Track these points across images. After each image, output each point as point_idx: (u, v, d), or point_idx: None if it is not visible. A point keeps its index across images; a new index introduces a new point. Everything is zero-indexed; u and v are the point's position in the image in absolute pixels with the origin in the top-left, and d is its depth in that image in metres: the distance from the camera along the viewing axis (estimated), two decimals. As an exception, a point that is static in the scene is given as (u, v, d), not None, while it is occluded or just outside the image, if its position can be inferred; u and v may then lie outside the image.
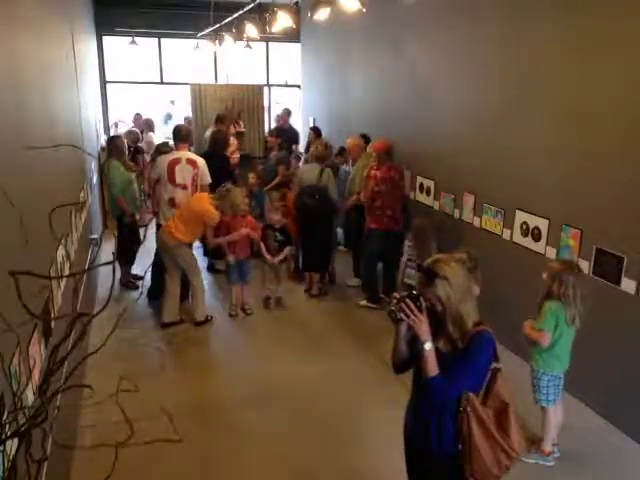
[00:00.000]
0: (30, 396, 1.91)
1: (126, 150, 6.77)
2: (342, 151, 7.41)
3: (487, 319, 2.22)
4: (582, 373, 3.57)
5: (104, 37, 10.35)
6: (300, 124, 10.65)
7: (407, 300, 2.10)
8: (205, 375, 4.63)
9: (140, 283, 6.24)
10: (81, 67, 5.95)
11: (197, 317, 5.41)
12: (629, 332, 3.73)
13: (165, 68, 10.97)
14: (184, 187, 5.59)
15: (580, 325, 3.32)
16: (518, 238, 4.72)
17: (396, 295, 2.16)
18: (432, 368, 2.10)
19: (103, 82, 10.47)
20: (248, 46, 9.39)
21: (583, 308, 3.27)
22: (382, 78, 7.13)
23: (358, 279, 6.38)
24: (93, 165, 6.78)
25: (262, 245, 5.78)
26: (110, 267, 1.49)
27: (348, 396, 4.26)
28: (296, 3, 7.34)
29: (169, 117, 12.01)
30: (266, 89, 11.11)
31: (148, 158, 8.12)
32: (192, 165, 5.66)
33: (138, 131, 9.52)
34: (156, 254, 5.63)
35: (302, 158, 8.39)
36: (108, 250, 6.57)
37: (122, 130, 9.77)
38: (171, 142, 6.58)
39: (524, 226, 4.64)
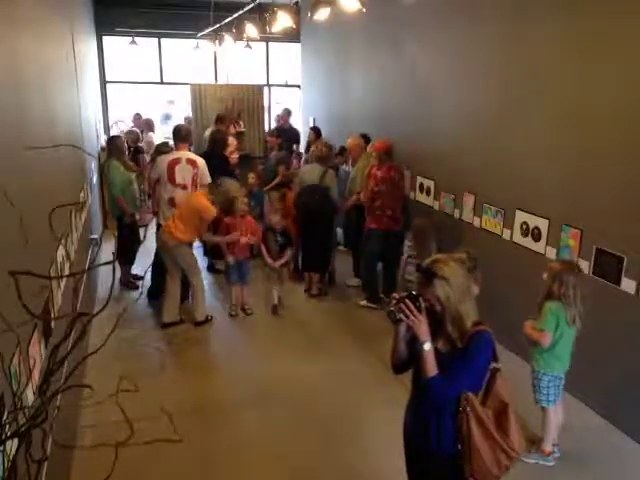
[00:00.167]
0: (30, 396, 1.91)
1: (126, 150, 6.77)
2: (342, 151, 7.41)
3: (487, 319, 2.23)
4: (582, 373, 3.57)
5: (104, 37, 10.35)
6: (300, 124, 10.64)
7: (406, 300, 2.10)
8: (205, 375, 4.63)
9: (140, 283, 6.24)
10: (81, 67, 5.95)
11: (197, 317, 5.41)
12: (629, 332, 3.73)
13: (165, 68, 10.97)
14: (184, 187, 5.59)
15: (580, 325, 3.33)
16: (518, 238, 4.72)
17: (395, 295, 2.16)
18: (431, 368, 2.10)
19: (103, 82, 10.47)
20: (248, 46, 9.39)
21: (583, 308, 3.28)
22: (382, 78, 7.13)
23: (358, 279, 6.38)
24: (93, 165, 6.78)
25: (263, 248, 5.77)
26: (110, 267, 1.49)
27: (348, 396, 4.26)
28: (296, 3, 7.34)
29: (167, 117, 11.99)
30: (266, 89, 11.11)
31: (148, 158, 8.12)
32: (192, 165, 5.67)
33: (138, 131, 9.53)
34: (156, 254, 5.63)
35: (302, 158, 8.39)
36: (108, 250, 6.56)
37: (122, 130, 9.77)
38: (171, 142, 6.58)
39: (524, 226, 4.64)
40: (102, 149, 8.29)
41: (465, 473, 2.18)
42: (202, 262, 6.77)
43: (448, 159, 5.69)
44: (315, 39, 9.61)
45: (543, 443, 3.53)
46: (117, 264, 5.73)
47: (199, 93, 9.41)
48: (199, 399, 4.21)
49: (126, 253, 6.10)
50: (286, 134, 9.11)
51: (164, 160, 5.69)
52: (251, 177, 7.28)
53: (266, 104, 10.76)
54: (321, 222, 6.04)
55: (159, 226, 5.66)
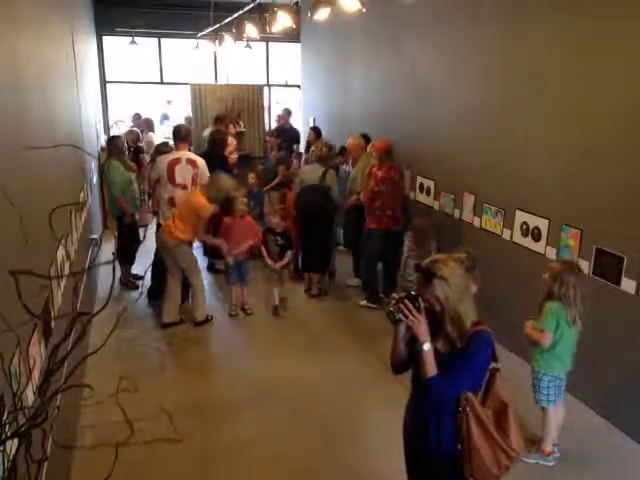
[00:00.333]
0: (30, 396, 1.91)
1: (126, 150, 6.77)
2: (342, 151, 7.41)
3: (487, 319, 2.23)
4: (582, 373, 3.57)
5: (104, 37, 10.35)
6: (300, 124, 10.65)
7: (406, 300, 2.10)
8: (205, 375, 4.63)
9: (140, 283, 6.24)
10: (81, 67, 5.95)
11: (197, 317, 5.41)
12: (629, 332, 3.73)
13: (165, 68, 10.97)
14: (184, 187, 5.59)
15: (581, 325, 3.32)
16: (518, 238, 4.72)
17: (395, 295, 2.16)
18: (431, 368, 2.10)
19: (103, 82, 10.47)
20: (248, 46, 9.39)
21: (583, 308, 3.27)
22: (382, 78, 7.13)
23: (358, 279, 6.38)
24: (93, 165, 6.78)
25: (263, 249, 5.75)
26: (110, 267, 1.49)
27: (348, 396, 4.26)
28: (296, 3, 7.34)
29: (166, 117, 11.99)
30: (266, 89, 11.12)
31: (148, 158, 8.12)
32: (192, 165, 5.67)
33: (138, 131, 9.53)
34: (156, 254, 5.62)
35: (302, 158, 8.38)
36: (108, 250, 6.57)
37: (122, 130, 9.77)
38: (171, 142, 6.58)
39: (524, 226, 4.64)
40: (102, 149, 8.29)
41: (465, 473, 2.18)
42: (202, 262, 6.77)
43: (448, 159, 5.69)
44: (315, 39, 9.61)
45: (543, 443, 3.53)
46: (117, 264, 5.74)
47: (199, 93, 9.42)
48: (199, 399, 4.21)
49: (126, 253, 6.10)
50: (286, 134, 9.12)
51: (164, 160, 5.69)
52: (251, 177, 7.27)
53: (266, 104, 10.76)
54: (321, 222, 6.04)
55: (159, 226, 5.66)
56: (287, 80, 11.92)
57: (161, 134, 10.45)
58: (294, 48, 10.79)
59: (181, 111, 11.36)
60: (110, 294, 1.60)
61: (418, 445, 2.30)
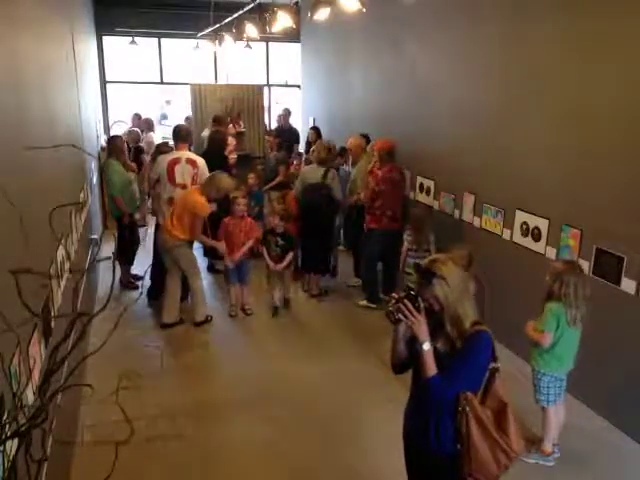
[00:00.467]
0: (30, 396, 1.91)
1: (126, 150, 6.77)
2: (342, 151, 7.41)
3: (486, 319, 2.22)
4: (582, 373, 3.57)
5: (104, 37, 10.36)
6: (300, 124, 10.65)
7: (405, 300, 2.10)
8: (205, 375, 4.63)
9: (140, 283, 6.23)
10: (81, 67, 5.95)
11: (197, 317, 5.40)
12: (629, 332, 3.73)
13: (165, 68, 10.97)
14: (184, 187, 5.58)
15: (581, 326, 3.32)
16: (518, 238, 4.72)
17: (394, 295, 2.16)
18: (430, 368, 2.10)
19: (103, 82, 10.48)
20: (248, 46, 9.39)
21: (585, 309, 3.27)
22: (382, 78, 7.13)
23: (358, 279, 6.38)
24: (93, 165, 6.78)
25: (264, 250, 5.73)
26: (110, 267, 1.49)
27: (348, 396, 4.26)
28: (296, 3, 7.34)
29: (164, 117, 11.96)
30: (266, 89, 11.12)
31: (148, 158, 8.11)
32: (192, 165, 5.66)
33: (139, 131, 9.53)
34: (156, 254, 5.62)
35: (303, 158, 8.38)
36: (108, 250, 6.57)
37: (122, 130, 9.77)
38: (171, 142, 6.58)
39: (524, 226, 4.64)
40: (102, 149, 8.29)
41: (464, 473, 2.18)
42: (202, 262, 6.77)
43: (448, 159, 5.69)
44: (315, 39, 9.61)
45: (543, 443, 3.53)
46: (117, 264, 5.73)
47: (199, 93, 9.41)
48: (199, 399, 4.20)
49: (126, 253, 6.10)
50: (285, 134, 9.11)
51: (164, 160, 5.69)
52: (251, 177, 7.27)
53: (266, 104, 10.76)
54: (322, 221, 6.04)
55: (158, 226, 5.66)
56: (287, 80, 11.92)
57: (159, 134, 10.43)
58: (294, 48, 10.80)
59: (179, 111, 11.35)
60: (110, 294, 1.60)
61: (418, 445, 2.30)
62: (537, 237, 4.50)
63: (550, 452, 3.53)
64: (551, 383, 3.42)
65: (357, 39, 7.80)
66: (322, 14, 5.44)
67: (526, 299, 4.34)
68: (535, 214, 4.52)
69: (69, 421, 3.30)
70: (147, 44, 10.71)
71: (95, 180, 6.94)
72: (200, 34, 9.74)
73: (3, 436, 1.34)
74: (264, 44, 10.99)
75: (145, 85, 11.35)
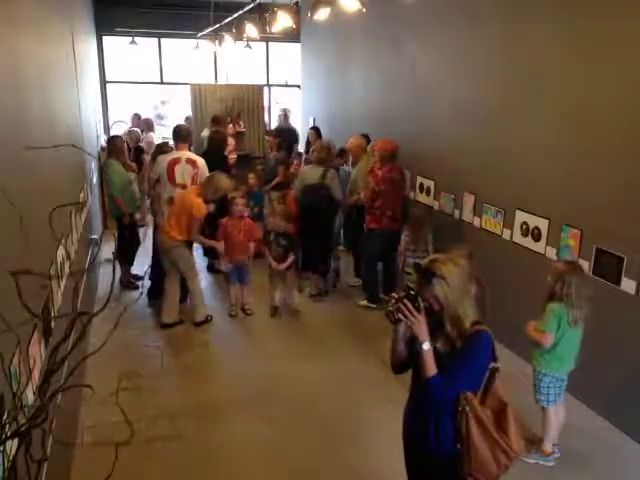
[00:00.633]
0: (30, 396, 1.91)
1: (126, 150, 6.76)
2: (342, 152, 7.40)
3: (486, 319, 2.22)
4: (582, 373, 3.57)
5: (104, 37, 10.35)
6: (300, 124, 10.65)
7: (405, 300, 2.10)
8: (205, 375, 4.63)
9: (140, 283, 6.23)
10: (81, 67, 5.95)
11: (197, 317, 5.40)
12: (629, 332, 3.73)
13: (165, 68, 10.97)
14: (184, 187, 5.58)
15: (583, 326, 3.32)
16: (518, 238, 4.72)
17: (394, 295, 2.16)
18: (430, 368, 2.10)
19: (103, 82, 10.47)
20: (248, 46, 9.39)
21: (587, 309, 3.27)
22: (382, 78, 7.13)
23: (358, 279, 6.38)
24: (93, 165, 6.78)
25: (267, 251, 5.71)
26: (110, 267, 1.49)
27: (348, 396, 4.26)
28: (296, 3, 7.34)
29: (160, 117, 11.91)
30: (266, 89, 11.12)
31: (148, 158, 8.12)
32: (192, 165, 5.66)
33: (139, 131, 9.52)
34: (155, 254, 5.62)
35: (303, 158, 8.38)
36: (108, 250, 6.58)
37: (122, 130, 9.77)
38: (171, 142, 6.58)
39: (524, 226, 4.64)
40: (102, 149, 8.29)
41: (464, 473, 2.18)
42: (202, 262, 6.78)
43: (448, 159, 5.69)
44: (315, 39, 9.61)
45: (543, 443, 3.53)
46: (117, 264, 5.73)
47: (199, 93, 9.41)
48: (199, 399, 4.20)
49: (126, 253, 6.09)
50: (285, 134, 9.11)
51: (164, 160, 5.69)
52: (251, 177, 7.26)
53: (266, 104, 10.76)
54: (321, 222, 6.03)
55: (156, 226, 5.65)
56: (287, 80, 11.92)
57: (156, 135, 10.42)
58: (294, 48, 10.80)
59: (176, 111, 11.35)
60: (110, 294, 1.60)
61: (417, 445, 2.30)
62: (537, 237, 4.50)
63: (550, 452, 3.53)
64: (552, 383, 3.42)
65: (357, 39, 7.80)
66: (322, 14, 5.44)
67: (526, 299, 4.34)
68: (535, 214, 4.52)
69: (69, 422, 3.30)
70: (147, 44, 10.71)
71: (95, 180, 6.94)
72: (200, 34, 9.74)
73: (3, 436, 1.34)
74: (264, 44, 10.99)
75: (145, 85, 11.35)
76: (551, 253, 4.36)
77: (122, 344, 4.76)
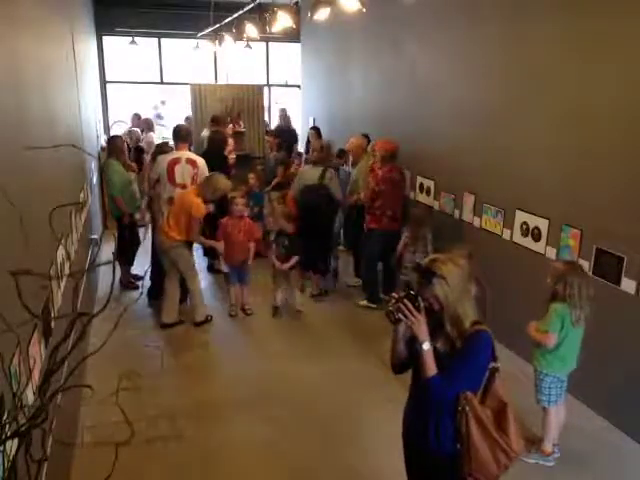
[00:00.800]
0: (30, 396, 1.91)
1: (126, 150, 6.76)
2: (341, 153, 7.40)
3: (487, 319, 2.22)
4: (582, 373, 3.56)
5: (104, 37, 10.35)
6: (300, 124, 10.65)
7: (405, 300, 2.10)
8: (205, 375, 4.63)
9: (140, 283, 6.23)
10: (81, 67, 5.95)
11: (197, 317, 5.40)
12: (629, 332, 3.73)
13: (165, 68, 10.97)
14: (184, 187, 5.57)
15: (584, 326, 3.32)
16: (518, 238, 4.72)
17: (394, 295, 2.16)
18: (430, 368, 2.10)
19: (103, 82, 10.47)
20: (248, 46, 9.39)
21: (589, 308, 3.26)
22: (382, 78, 7.13)
23: (358, 279, 6.38)
24: (93, 165, 6.78)
25: (272, 250, 5.69)
26: (110, 267, 1.49)
27: (348, 396, 4.26)
28: (296, 3, 7.34)
29: (159, 117, 11.92)
30: (266, 89, 11.12)
31: (148, 158, 8.12)
32: (192, 165, 5.66)
33: (139, 131, 9.52)
34: (155, 254, 5.62)
35: (303, 158, 8.38)
36: (108, 250, 6.57)
37: (123, 130, 9.77)
38: (171, 142, 6.58)
39: (524, 226, 4.64)
40: (102, 149, 8.29)
41: (464, 473, 2.18)
42: (202, 262, 6.77)
43: (448, 159, 5.69)
44: (315, 39, 9.61)
45: (543, 443, 3.53)
46: (117, 264, 5.71)
47: (199, 93, 9.41)
48: (199, 399, 4.20)
49: (126, 254, 6.09)
50: (284, 135, 9.11)
51: (164, 160, 5.68)
52: (251, 178, 7.26)
53: (266, 104, 10.76)
54: (321, 222, 6.03)
55: (155, 226, 5.65)
56: (287, 80, 11.92)
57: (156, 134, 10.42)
58: (294, 48, 10.80)
59: (174, 111, 11.35)
60: (110, 294, 1.60)
61: (417, 444, 2.30)
62: (537, 237, 4.50)
63: (550, 452, 3.53)
64: (553, 384, 3.42)
65: (357, 39, 7.80)
66: (322, 14, 5.44)
67: (526, 299, 4.35)
68: (535, 214, 4.52)
69: (69, 422, 3.30)
70: (147, 44, 10.71)
71: (95, 180, 6.95)
72: (200, 34, 9.74)
73: (3, 436, 1.34)
74: (264, 44, 11.00)
75: (145, 85, 11.35)
76: (551, 253, 4.36)
77: (122, 344, 4.76)
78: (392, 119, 6.77)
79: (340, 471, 3.45)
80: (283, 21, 6.24)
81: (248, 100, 9.62)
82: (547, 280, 3.34)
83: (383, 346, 2.64)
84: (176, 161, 5.63)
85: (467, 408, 2.11)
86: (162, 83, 11.11)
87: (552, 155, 4.33)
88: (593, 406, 4.08)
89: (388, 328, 2.29)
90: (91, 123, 7.03)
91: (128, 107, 11.01)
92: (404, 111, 6.53)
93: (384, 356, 2.52)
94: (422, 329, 2.10)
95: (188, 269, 5.31)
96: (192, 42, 10.36)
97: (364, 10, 5.18)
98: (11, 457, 1.40)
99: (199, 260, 6.43)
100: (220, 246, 5.42)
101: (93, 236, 5.32)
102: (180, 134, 5.86)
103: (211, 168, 5.79)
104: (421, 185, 6.26)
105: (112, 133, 9.61)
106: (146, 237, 6.13)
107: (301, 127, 10.55)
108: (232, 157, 7.37)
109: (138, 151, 8.39)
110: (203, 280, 6.03)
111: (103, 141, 8.82)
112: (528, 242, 4.60)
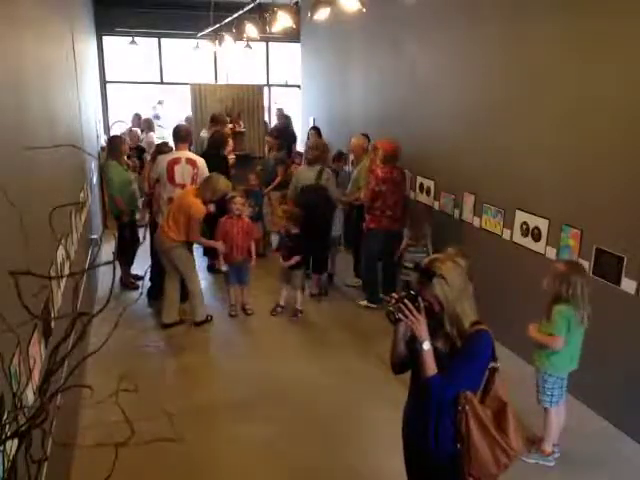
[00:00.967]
0: (30, 396, 1.91)
1: (126, 150, 6.76)
2: (340, 156, 7.38)
3: (486, 318, 2.23)
4: (582, 373, 3.56)
5: (104, 37, 10.35)
6: (300, 124, 10.64)
7: (405, 300, 2.10)
8: (205, 375, 4.63)
9: (140, 283, 6.23)
10: (81, 67, 5.94)
11: (197, 317, 5.40)
12: (629, 332, 3.73)
13: (165, 68, 10.97)
14: (183, 187, 5.57)
15: (587, 325, 3.31)
16: (518, 238, 4.72)
17: (394, 295, 2.16)
18: (430, 367, 2.10)
19: (103, 82, 10.47)
20: (248, 46, 9.39)
21: (590, 308, 3.26)
22: (382, 78, 7.13)
23: (358, 279, 6.38)
24: (93, 165, 6.78)
25: (281, 250, 5.69)
26: (110, 267, 1.49)
27: (348, 396, 4.26)
28: (296, 3, 7.34)
29: (156, 117, 11.92)
30: (266, 89, 11.12)
31: (148, 158, 8.12)
32: (192, 165, 5.66)
33: (138, 131, 9.52)
34: (155, 254, 5.61)
35: (303, 157, 8.37)
36: (108, 250, 6.58)
37: (123, 130, 9.77)
38: (171, 142, 6.58)
39: (524, 226, 4.64)
40: (102, 149, 8.29)
41: (464, 472, 2.18)
42: (202, 262, 6.77)
43: (448, 159, 5.69)
44: (315, 39, 9.61)
45: (543, 443, 3.53)
46: (117, 264, 5.70)
47: (199, 93, 9.41)
48: (199, 399, 4.21)
49: (126, 254, 6.09)
50: (283, 135, 9.10)
51: (164, 160, 5.69)
52: (251, 178, 7.26)
53: (266, 104, 10.76)
54: (319, 222, 6.02)
55: (155, 226, 5.65)
56: (287, 80, 11.92)
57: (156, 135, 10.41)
58: (294, 48, 10.79)
59: (172, 111, 11.34)
60: (110, 294, 1.60)
61: (417, 444, 2.30)
62: (537, 237, 4.50)
63: (550, 452, 3.53)
64: (556, 384, 3.41)
65: (357, 39, 7.80)
66: (322, 14, 5.44)
67: (526, 299, 4.34)
68: (535, 214, 4.52)
69: (69, 422, 3.30)
70: (147, 44, 10.71)
71: (95, 180, 6.94)
72: (200, 34, 9.73)
73: (3, 436, 1.33)
74: (264, 44, 10.99)
75: (145, 85, 11.34)
76: (551, 253, 4.35)
77: (122, 344, 4.77)
78: (392, 119, 6.77)
79: (340, 471, 3.45)
80: (283, 21, 6.24)
81: (248, 100, 9.63)
82: (544, 282, 3.30)
83: (383, 346, 2.64)
84: (176, 161, 5.63)
85: (467, 408, 2.11)
86: (162, 83, 11.11)
87: (552, 155, 4.33)
88: (593, 406, 4.08)
89: (388, 328, 2.29)
90: (91, 123, 7.03)
91: (128, 107, 11.00)
92: (404, 111, 6.53)
93: (384, 356, 2.52)
94: (422, 329, 2.10)
95: (188, 269, 5.30)
96: (192, 42, 10.36)
97: (364, 10, 5.18)
98: (11, 457, 1.40)
99: (199, 260, 6.43)
100: (220, 246, 5.42)
101: (93, 236, 5.32)
102: (180, 134, 5.86)
103: (211, 168, 5.79)
104: (421, 185, 6.26)
105: (112, 133, 9.61)
106: (146, 237, 6.13)
107: (301, 127, 10.54)
108: (232, 157, 7.36)
109: (139, 151, 8.40)
110: (203, 280, 6.04)
111: (103, 141, 8.81)
112: (528, 242, 4.60)
